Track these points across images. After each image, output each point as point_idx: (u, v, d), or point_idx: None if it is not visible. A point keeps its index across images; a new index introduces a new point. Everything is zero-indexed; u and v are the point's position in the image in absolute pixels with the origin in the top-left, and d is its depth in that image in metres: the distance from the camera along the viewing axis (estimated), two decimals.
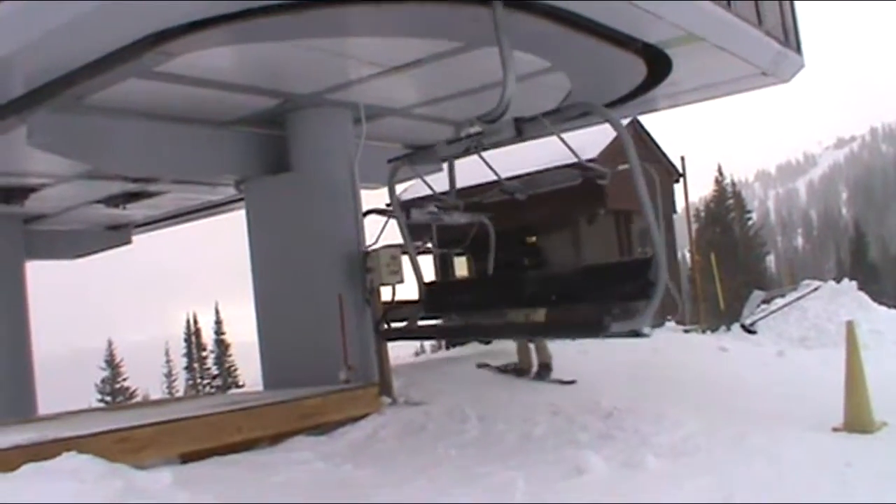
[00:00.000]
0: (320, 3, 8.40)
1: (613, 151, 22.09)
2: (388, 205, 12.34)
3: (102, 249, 20.09)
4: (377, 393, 11.38)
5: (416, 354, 31.49)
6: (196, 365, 72.80)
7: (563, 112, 9.65)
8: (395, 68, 11.10)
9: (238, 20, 8.34)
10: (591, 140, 20.50)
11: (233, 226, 16.10)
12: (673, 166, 26.25)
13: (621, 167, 9.01)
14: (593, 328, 8.05)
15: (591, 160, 19.25)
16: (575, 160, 10.96)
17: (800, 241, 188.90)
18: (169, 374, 73.62)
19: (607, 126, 8.69)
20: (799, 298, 20.45)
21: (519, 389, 12.24)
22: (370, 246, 12.47)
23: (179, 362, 73.82)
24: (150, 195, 16.09)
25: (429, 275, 25.59)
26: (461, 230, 13.75)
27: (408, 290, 11.99)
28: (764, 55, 12.49)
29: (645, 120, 24.25)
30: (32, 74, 9.43)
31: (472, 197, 12.46)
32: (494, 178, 12.16)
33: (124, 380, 67.97)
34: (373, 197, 16.45)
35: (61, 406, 14.34)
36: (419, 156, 10.85)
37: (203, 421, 9.18)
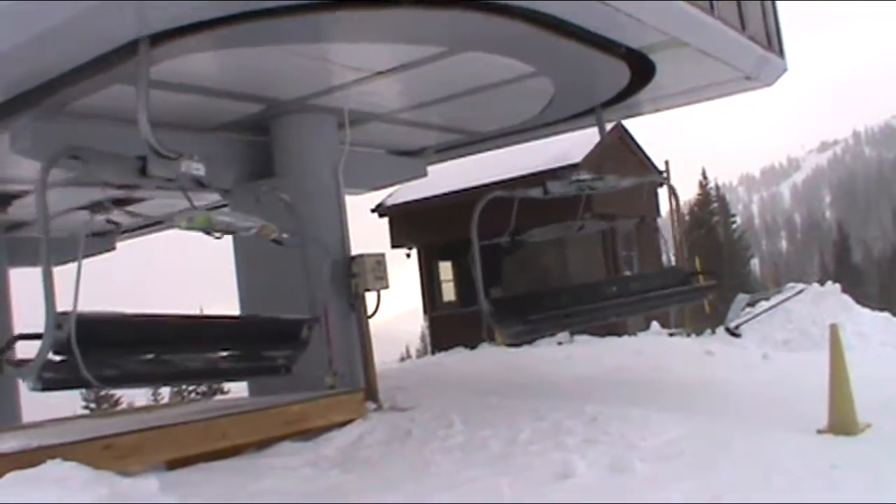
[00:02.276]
0: (304, 8, 8.40)
1: (598, 155, 22.22)
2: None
3: (86, 256, 19.95)
4: (363, 398, 11.37)
5: (402, 360, 31.46)
6: None
7: None
8: (379, 73, 11.10)
9: (222, 25, 8.33)
10: (576, 144, 20.65)
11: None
12: (657, 170, 26.32)
13: None
14: None
15: (574, 164, 19.37)
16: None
17: (784, 244, 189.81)
18: None
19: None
20: (783, 301, 20.54)
21: (504, 395, 12.23)
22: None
23: None
24: (134, 201, 16.04)
25: (411, 282, 25.71)
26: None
27: None
28: (747, 59, 12.55)
29: (629, 124, 24.34)
30: (15, 80, 9.39)
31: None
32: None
33: None
34: (358, 202, 16.45)
35: (46, 414, 14.28)
36: None
37: (188, 427, 9.15)
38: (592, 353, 16.66)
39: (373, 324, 12.67)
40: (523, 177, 19.65)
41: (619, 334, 20.04)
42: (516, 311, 11.95)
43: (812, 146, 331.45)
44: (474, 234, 11.38)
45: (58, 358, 7.86)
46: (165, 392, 66.47)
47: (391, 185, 19.02)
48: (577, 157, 21.22)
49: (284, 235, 10.20)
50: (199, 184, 9.44)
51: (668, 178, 12.22)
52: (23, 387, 16.65)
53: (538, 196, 12.24)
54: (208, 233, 9.34)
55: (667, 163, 25.82)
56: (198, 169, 9.23)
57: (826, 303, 19.95)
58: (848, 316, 18.72)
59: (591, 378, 13.91)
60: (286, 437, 9.76)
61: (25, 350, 8.56)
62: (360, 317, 12.46)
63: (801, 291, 20.94)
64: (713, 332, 20.87)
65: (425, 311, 26.02)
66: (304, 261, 10.68)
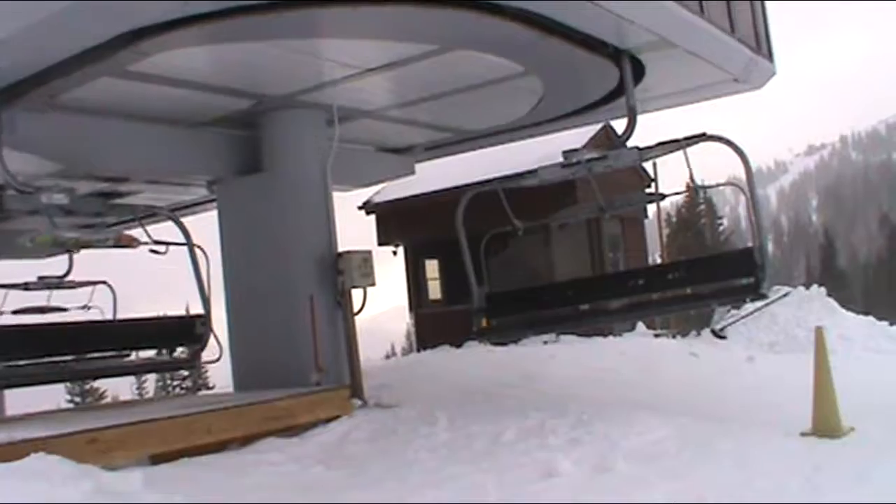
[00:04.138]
0: (295, 4, 8.40)
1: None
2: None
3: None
4: (348, 395, 11.37)
5: (387, 357, 31.41)
6: None
7: None
8: (368, 70, 11.10)
9: (213, 20, 8.32)
10: (570, 142, 20.64)
11: (205, 226, 16.03)
12: (644, 171, 26.30)
13: None
14: None
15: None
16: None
17: (770, 247, 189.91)
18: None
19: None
20: (769, 304, 20.56)
21: (489, 393, 12.25)
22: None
23: None
24: (121, 195, 15.99)
25: (397, 279, 25.71)
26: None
27: None
28: (736, 62, 12.58)
29: (618, 125, 24.30)
30: (4, 72, 9.36)
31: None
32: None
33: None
34: (346, 199, 16.44)
35: (30, 407, 14.23)
36: None
37: (173, 422, 9.13)
38: (577, 353, 16.67)
39: (359, 321, 12.67)
40: (511, 176, 19.64)
41: (604, 335, 20.05)
42: (512, 308, 11.73)
43: (799, 150, 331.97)
44: (460, 224, 11.25)
45: None
46: (150, 387, 66.30)
47: (379, 182, 19.01)
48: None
49: (149, 244, 11.52)
50: (66, 211, 10.51)
51: (739, 147, 11.01)
52: None
53: (532, 184, 11.65)
54: (68, 248, 10.18)
55: (654, 164, 25.82)
56: (60, 199, 10.37)
57: (811, 306, 20.03)
58: (833, 319, 18.78)
59: (576, 378, 13.92)
60: (271, 433, 9.75)
61: None
62: (346, 314, 12.45)
63: (786, 294, 20.99)
64: (699, 333, 20.89)
65: (411, 309, 25.97)
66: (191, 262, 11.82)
